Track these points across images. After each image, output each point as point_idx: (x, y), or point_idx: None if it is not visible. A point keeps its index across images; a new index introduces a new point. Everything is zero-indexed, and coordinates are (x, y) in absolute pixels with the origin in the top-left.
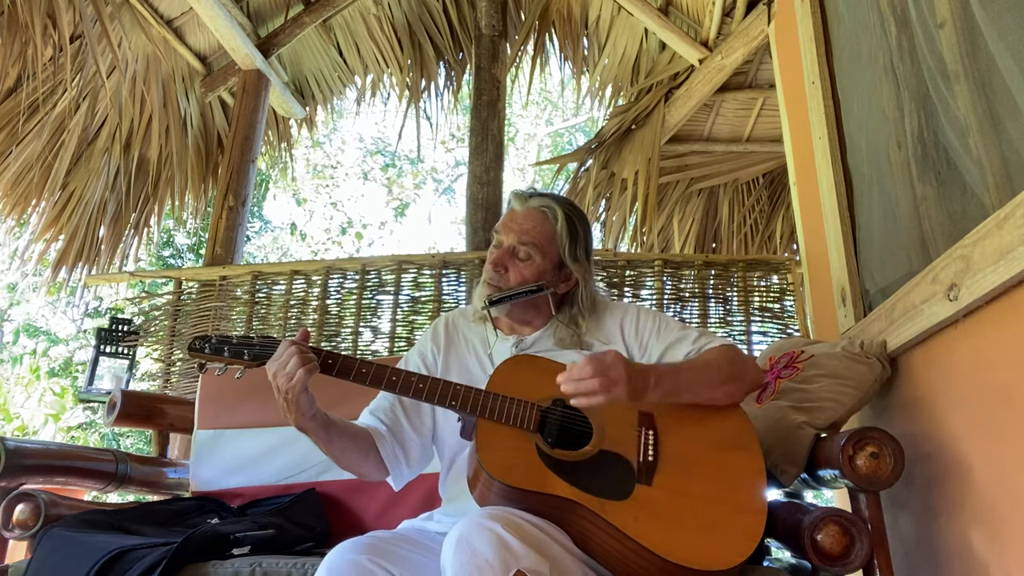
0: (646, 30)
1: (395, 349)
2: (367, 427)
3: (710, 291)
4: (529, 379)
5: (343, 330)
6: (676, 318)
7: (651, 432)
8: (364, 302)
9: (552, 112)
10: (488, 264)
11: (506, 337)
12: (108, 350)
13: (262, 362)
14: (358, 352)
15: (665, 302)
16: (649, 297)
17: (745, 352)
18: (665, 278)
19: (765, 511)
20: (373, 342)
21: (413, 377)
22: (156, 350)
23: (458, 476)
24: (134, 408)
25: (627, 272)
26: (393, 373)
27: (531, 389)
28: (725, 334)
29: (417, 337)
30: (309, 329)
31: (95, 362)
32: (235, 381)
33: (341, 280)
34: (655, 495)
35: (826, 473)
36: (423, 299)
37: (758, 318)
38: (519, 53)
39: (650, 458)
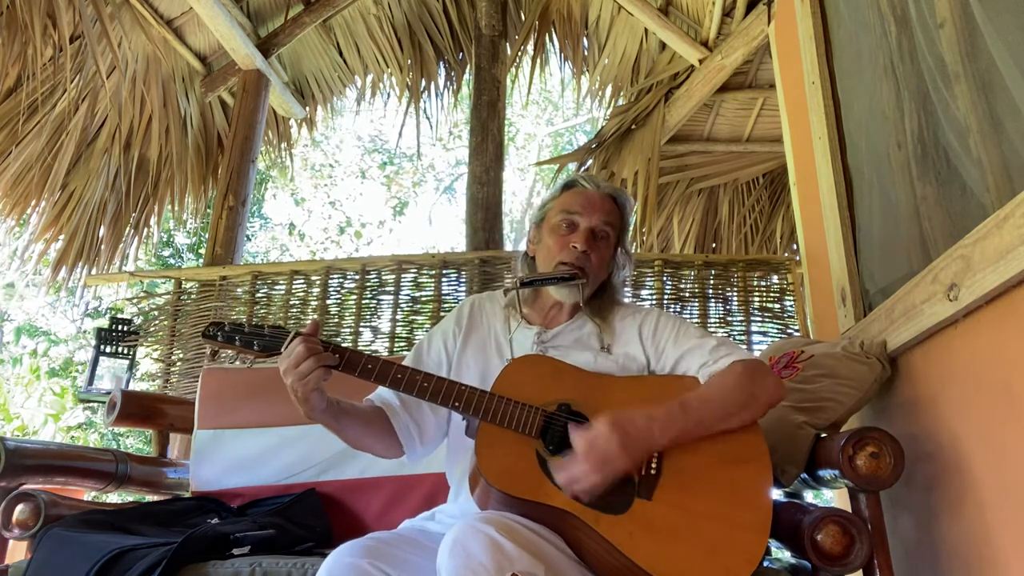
0: (646, 30)
1: (395, 349)
2: (381, 401)
3: (710, 291)
4: (538, 381)
5: (343, 330)
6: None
7: None
8: (364, 302)
9: (552, 112)
10: (569, 245)
11: (529, 326)
12: (108, 350)
13: (272, 353)
14: None
15: (665, 302)
16: (649, 297)
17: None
18: (665, 278)
19: (767, 531)
20: (373, 342)
21: (418, 376)
22: (156, 350)
23: (464, 468)
24: (134, 408)
25: None
26: (399, 371)
27: (538, 392)
28: (725, 334)
29: (417, 337)
30: None
31: (95, 362)
32: (235, 381)
33: (341, 280)
34: (654, 510)
35: (826, 473)
36: (423, 299)
37: (758, 318)
38: (519, 53)
39: (652, 471)
